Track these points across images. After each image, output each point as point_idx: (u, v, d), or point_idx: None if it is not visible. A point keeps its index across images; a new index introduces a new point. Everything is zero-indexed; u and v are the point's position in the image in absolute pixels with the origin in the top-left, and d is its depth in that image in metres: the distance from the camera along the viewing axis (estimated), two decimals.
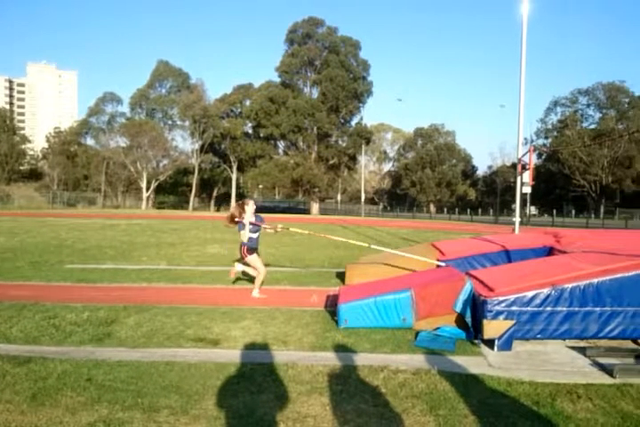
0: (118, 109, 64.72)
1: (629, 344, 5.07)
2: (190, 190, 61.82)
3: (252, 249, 7.16)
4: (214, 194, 65.84)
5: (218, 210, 62.75)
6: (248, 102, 59.10)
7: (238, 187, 67.18)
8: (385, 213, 61.31)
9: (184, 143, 63.88)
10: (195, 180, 60.71)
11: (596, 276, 4.98)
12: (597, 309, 4.90)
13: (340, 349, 4.78)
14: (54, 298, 6.74)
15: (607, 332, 4.92)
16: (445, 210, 58.91)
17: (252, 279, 7.55)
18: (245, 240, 7.06)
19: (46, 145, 70.28)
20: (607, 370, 4.26)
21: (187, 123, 60.68)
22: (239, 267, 7.40)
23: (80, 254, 11.43)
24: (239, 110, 60.59)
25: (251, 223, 7.08)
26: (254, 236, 7.17)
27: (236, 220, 7.14)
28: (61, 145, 66.87)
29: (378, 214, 59.24)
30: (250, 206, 7.15)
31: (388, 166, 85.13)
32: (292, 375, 4.00)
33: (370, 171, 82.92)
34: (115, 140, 61.14)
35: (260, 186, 67.04)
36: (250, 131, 60.33)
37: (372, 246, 7.94)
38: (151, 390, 3.69)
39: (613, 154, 54.88)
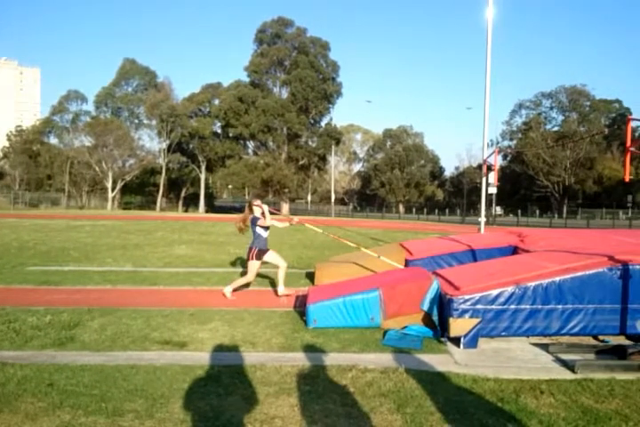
0: (83, 108, 63.38)
1: (590, 340, 5.22)
2: (158, 190, 60.79)
3: (262, 252, 7.00)
4: (182, 194, 64.94)
5: (186, 210, 61.96)
6: (217, 102, 58.53)
7: (207, 187, 66.47)
8: (355, 214, 61.65)
9: (151, 143, 62.90)
10: (162, 180, 59.75)
11: (558, 274, 5.11)
12: (559, 306, 5.03)
13: (309, 349, 4.78)
14: (15, 301, 6.53)
15: (569, 329, 5.06)
16: (414, 210, 59.66)
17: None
18: (268, 223, 6.93)
19: (7, 144, 68.12)
20: (569, 366, 4.38)
21: (154, 122, 59.71)
22: (282, 288, 7.17)
23: (42, 256, 11.12)
24: (207, 110, 59.95)
25: (270, 212, 7.02)
26: (264, 235, 7.05)
27: (253, 208, 7.02)
28: (23, 144, 64.90)
29: (348, 215, 59.52)
30: (258, 204, 7.07)
31: (357, 167, 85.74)
32: (260, 377, 3.98)
33: (340, 171, 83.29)
34: (79, 140, 59.80)
35: (230, 186, 66.51)
36: (219, 130, 59.77)
37: (382, 258, 7.96)
38: (115, 394, 3.61)
39: (575, 155, 56.52)
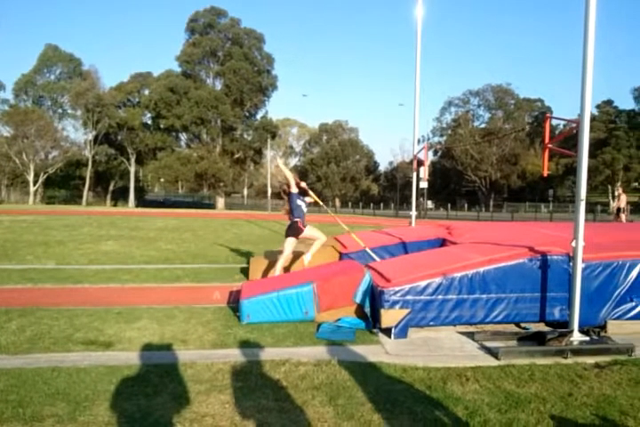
0: (0, 96, 59.39)
1: (513, 328, 5.48)
2: (84, 184, 58.04)
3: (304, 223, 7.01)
4: (111, 188, 62.34)
5: (115, 205, 59.55)
6: (147, 92, 56.46)
7: (137, 180, 64.23)
8: None
9: (76, 134, 59.88)
10: (88, 172, 57.02)
11: (482, 265, 5.32)
12: (484, 296, 5.25)
13: (242, 345, 4.73)
14: None
15: (493, 317, 5.29)
16: (350, 204, 60.37)
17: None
18: (288, 175, 7.00)
19: None
20: (493, 353, 4.58)
21: (79, 112, 56.86)
22: (308, 257, 7.13)
23: None
24: (137, 100, 57.71)
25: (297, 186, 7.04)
26: (304, 209, 7.07)
27: (289, 190, 7.06)
28: None
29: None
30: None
31: (294, 161, 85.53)
32: (190, 375, 3.89)
33: (276, 165, 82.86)
34: None
35: (162, 179, 64.50)
36: (149, 122, 57.69)
37: (353, 235, 8.04)
38: (35, 398, 3.42)
39: (501, 152, 59.20)
